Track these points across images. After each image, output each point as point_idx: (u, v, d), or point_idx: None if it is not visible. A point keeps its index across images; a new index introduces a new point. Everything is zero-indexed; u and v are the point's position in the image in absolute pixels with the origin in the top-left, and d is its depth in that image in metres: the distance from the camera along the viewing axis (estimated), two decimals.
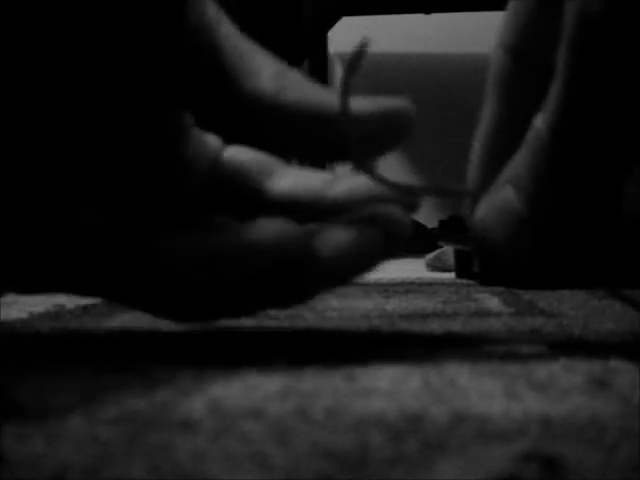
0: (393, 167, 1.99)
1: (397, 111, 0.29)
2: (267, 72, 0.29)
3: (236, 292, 0.28)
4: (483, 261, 0.71)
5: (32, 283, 0.30)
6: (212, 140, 0.31)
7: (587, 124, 0.25)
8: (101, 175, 0.29)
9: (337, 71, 2.19)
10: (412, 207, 0.30)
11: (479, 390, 0.23)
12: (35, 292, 0.31)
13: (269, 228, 0.27)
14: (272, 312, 0.46)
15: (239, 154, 0.32)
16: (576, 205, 0.26)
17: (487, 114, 0.29)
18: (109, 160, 0.29)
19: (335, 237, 0.28)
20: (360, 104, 0.29)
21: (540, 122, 0.26)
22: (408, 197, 0.30)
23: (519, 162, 0.27)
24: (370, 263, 0.29)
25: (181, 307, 0.30)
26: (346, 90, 0.28)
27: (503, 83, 0.29)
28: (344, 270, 0.28)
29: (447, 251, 0.99)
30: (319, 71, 2.08)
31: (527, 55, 0.28)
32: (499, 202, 0.27)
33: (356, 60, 0.27)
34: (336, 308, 0.47)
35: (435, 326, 0.38)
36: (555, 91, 0.25)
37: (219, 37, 0.28)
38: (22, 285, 0.30)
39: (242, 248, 0.27)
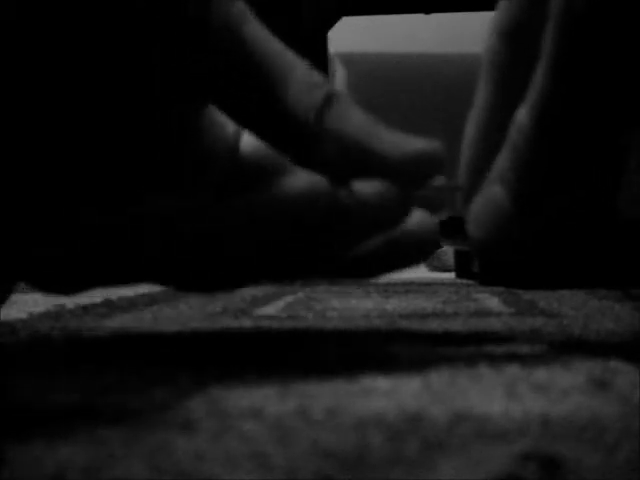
0: None
1: (429, 153, 0.28)
2: (297, 83, 0.28)
3: (266, 254, 0.29)
4: (483, 261, 0.71)
5: (34, 282, 0.30)
6: (229, 125, 0.31)
7: (570, 112, 0.25)
8: (105, 173, 0.28)
9: (337, 71, 2.19)
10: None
11: (479, 390, 0.23)
12: (45, 289, 0.31)
13: (298, 181, 0.28)
14: (272, 312, 0.46)
15: (256, 143, 0.31)
16: (561, 199, 0.26)
17: (479, 103, 0.29)
18: (114, 157, 0.28)
19: (363, 188, 0.28)
20: (393, 144, 0.29)
21: (522, 114, 0.26)
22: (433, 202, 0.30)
23: (503, 157, 0.27)
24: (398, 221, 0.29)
25: (209, 278, 0.30)
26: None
27: (496, 68, 0.28)
28: (374, 220, 0.28)
29: (447, 251, 0.99)
30: (319, 71, 2.07)
31: (520, 40, 0.28)
32: (488, 199, 0.27)
33: None
34: (336, 308, 0.47)
35: (435, 326, 0.38)
36: (538, 77, 0.25)
37: (245, 34, 0.28)
38: (26, 283, 0.30)
39: (274, 203, 0.28)
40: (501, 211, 0.27)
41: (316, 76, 0.29)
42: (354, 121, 0.28)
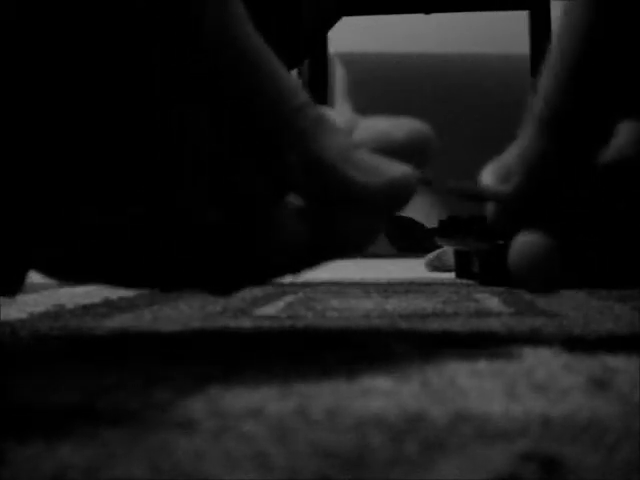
0: None
1: (420, 134, 0.30)
2: (288, 101, 0.28)
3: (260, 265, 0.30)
4: (483, 261, 0.71)
5: (42, 272, 0.30)
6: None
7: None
8: (105, 173, 0.28)
9: (337, 71, 2.20)
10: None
11: (479, 390, 0.23)
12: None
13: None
14: (272, 312, 0.46)
15: None
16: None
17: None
18: (114, 157, 0.28)
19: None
20: (384, 125, 0.29)
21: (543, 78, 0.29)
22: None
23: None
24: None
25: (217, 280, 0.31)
26: None
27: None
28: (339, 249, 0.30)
29: (447, 251, 0.99)
30: (319, 71, 2.08)
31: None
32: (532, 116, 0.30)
33: None
34: (336, 308, 0.47)
35: (435, 326, 0.38)
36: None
37: (240, 38, 0.28)
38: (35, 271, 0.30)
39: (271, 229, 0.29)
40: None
41: (304, 97, 0.29)
42: (333, 146, 0.29)
